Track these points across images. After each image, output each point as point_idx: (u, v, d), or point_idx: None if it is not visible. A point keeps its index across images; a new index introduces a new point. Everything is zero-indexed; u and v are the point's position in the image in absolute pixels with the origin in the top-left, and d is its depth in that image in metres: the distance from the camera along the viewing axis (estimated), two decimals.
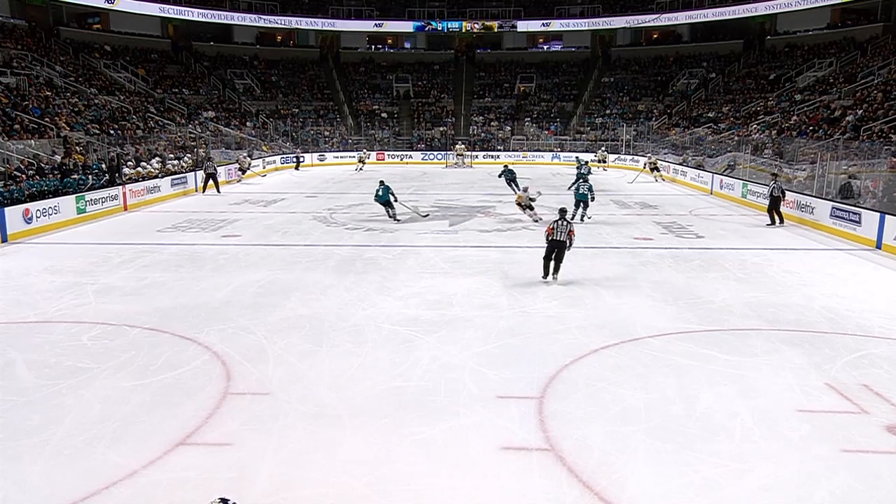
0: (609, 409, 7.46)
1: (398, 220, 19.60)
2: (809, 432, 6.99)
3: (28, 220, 17.48)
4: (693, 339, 9.77)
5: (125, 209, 22.39)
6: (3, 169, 20.20)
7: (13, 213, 17.04)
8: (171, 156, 29.36)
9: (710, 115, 40.20)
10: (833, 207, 18.76)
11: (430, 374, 8.48)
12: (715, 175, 28.23)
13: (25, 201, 17.99)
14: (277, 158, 40.21)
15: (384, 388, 8.01)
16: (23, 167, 20.59)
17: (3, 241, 16.53)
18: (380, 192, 19.74)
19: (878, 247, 16.13)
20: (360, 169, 37.95)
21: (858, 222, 17.24)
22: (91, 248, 16.25)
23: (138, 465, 6.27)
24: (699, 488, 5.96)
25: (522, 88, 52.06)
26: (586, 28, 51.93)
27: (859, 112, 27.07)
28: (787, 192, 19.79)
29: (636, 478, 6.09)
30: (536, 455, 6.49)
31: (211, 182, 26.85)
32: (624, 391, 7.94)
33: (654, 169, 32.23)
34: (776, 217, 19.60)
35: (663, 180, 32.48)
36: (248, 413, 7.37)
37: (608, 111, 48.01)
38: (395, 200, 19.83)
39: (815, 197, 20.25)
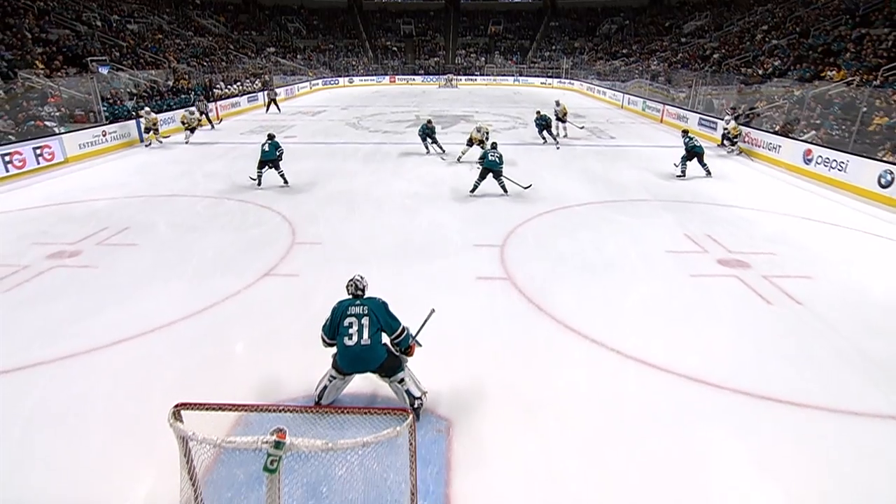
0: (548, 253, 7.56)
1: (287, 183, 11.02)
2: (672, 265, 7.16)
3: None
4: (605, 207, 9.79)
5: (217, 119, 21.53)
6: (135, 91, 19.24)
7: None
8: (248, 81, 27.95)
9: (623, 51, 38.01)
10: (700, 118, 18.39)
11: (428, 230, 8.50)
12: (624, 94, 27.15)
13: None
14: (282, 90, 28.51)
15: (397, 240, 8.04)
16: (149, 90, 19.78)
17: (140, 142, 15.99)
18: (266, 149, 10.73)
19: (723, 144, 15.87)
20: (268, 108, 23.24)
21: (715, 128, 16.96)
22: (197, 147, 15.77)
23: (241, 287, 6.41)
24: (602, 302, 6.15)
25: (493, 30, 48.82)
26: None
27: (722, 52, 25.86)
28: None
29: (563, 297, 6.25)
30: (499, 282, 6.62)
31: (272, 104, 24.42)
32: (557, 241, 8.02)
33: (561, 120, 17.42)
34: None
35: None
36: (308, 256, 7.44)
37: (554, 47, 45.27)
38: (280, 159, 10.87)
39: (689, 111, 19.69)
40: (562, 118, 17.33)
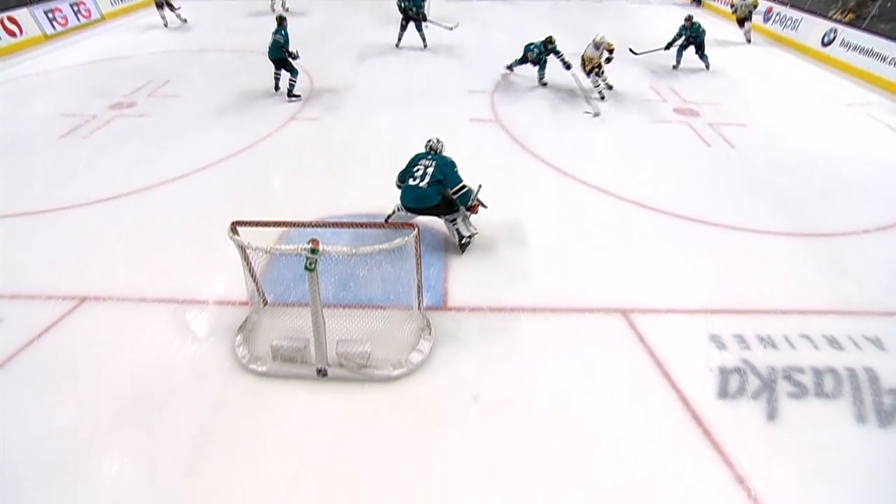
0: (528, 102, 6.97)
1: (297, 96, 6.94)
2: (637, 111, 6.69)
3: None
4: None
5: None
6: None
7: None
8: None
9: None
10: None
11: (428, 79, 7.72)
12: None
13: None
14: None
15: (401, 88, 7.34)
16: None
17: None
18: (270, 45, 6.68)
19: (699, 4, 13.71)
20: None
21: None
22: (219, 7, 13.56)
23: (272, 130, 6.03)
24: (571, 140, 5.86)
25: None
26: None
27: None
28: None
29: (543, 136, 5.91)
30: (489, 124, 6.23)
31: None
32: (541, 88, 7.36)
33: None
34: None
35: None
36: (325, 102, 6.85)
37: None
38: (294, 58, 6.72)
39: None
40: None
